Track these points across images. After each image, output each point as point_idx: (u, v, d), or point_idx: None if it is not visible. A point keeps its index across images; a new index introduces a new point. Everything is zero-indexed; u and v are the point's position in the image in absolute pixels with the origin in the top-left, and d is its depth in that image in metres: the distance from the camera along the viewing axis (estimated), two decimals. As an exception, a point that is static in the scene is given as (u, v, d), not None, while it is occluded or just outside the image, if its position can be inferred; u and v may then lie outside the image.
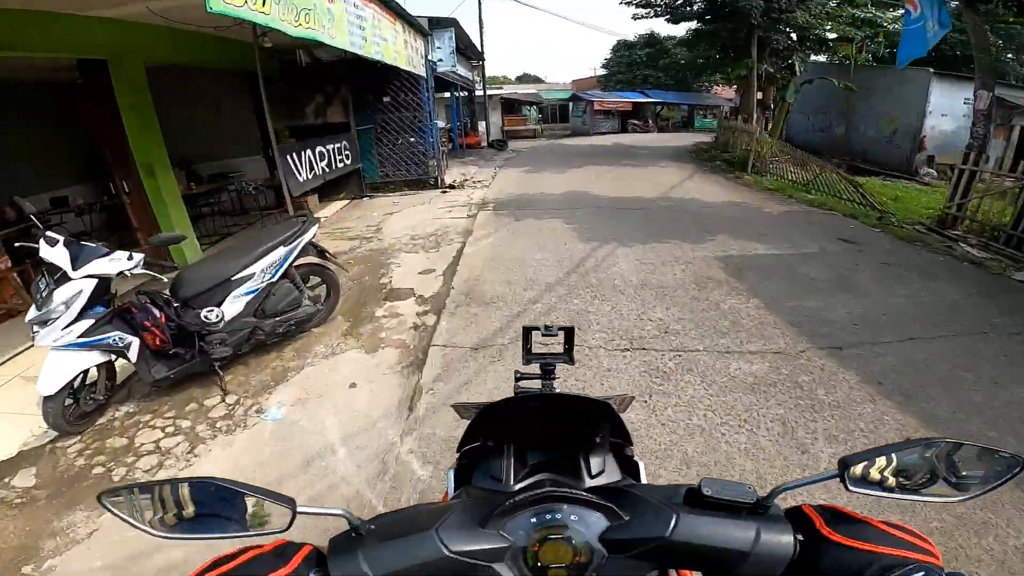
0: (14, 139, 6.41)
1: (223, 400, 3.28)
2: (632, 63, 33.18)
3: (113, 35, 5.16)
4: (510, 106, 29.50)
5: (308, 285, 4.07)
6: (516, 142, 23.84)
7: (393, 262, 6.04)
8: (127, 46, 5.36)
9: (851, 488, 0.62)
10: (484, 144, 19.55)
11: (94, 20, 4.95)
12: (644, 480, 0.94)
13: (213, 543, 0.63)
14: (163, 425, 3.05)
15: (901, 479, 0.65)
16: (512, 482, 0.79)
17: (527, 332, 1.21)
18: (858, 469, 0.63)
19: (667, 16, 18.16)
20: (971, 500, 0.65)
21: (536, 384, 1.22)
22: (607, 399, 0.99)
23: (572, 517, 0.64)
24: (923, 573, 0.53)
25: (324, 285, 4.29)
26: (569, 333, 1.21)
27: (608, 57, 35.57)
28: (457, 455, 0.96)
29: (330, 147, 8.53)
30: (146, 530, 0.62)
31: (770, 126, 16.45)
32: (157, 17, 5.10)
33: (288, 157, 6.93)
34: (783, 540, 0.59)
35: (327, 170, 8.28)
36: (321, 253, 4.00)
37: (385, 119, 10.19)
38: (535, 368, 1.23)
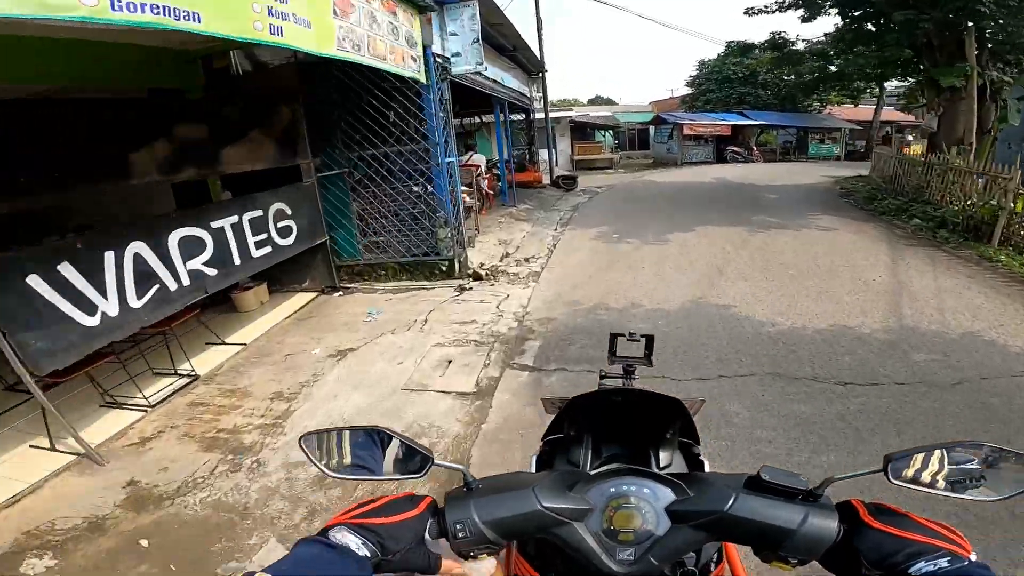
0: None
1: None
2: (725, 79, 27.87)
3: None
4: (581, 131, 25.20)
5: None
6: (588, 176, 19.35)
7: None
8: None
9: (893, 481, 0.69)
10: (547, 181, 15.16)
11: None
12: None
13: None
14: None
15: (944, 477, 0.69)
16: (589, 468, 0.91)
17: (613, 337, 1.34)
18: (901, 464, 0.70)
19: (801, 6, 13.15)
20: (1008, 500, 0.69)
21: (618, 383, 1.28)
22: (681, 399, 1.03)
23: (644, 490, 0.74)
24: (948, 559, 0.59)
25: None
26: (650, 340, 1.31)
27: (694, 74, 30.43)
28: (541, 443, 1.08)
29: (237, 220, 4.50)
30: (323, 470, 0.78)
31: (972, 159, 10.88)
32: None
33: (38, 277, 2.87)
34: (828, 524, 0.66)
35: (229, 268, 4.26)
36: None
37: (368, 157, 6.09)
38: (618, 369, 1.30)
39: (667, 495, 0.74)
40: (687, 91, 31.12)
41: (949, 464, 0.70)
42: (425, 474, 0.76)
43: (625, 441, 0.96)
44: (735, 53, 28.08)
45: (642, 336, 1.31)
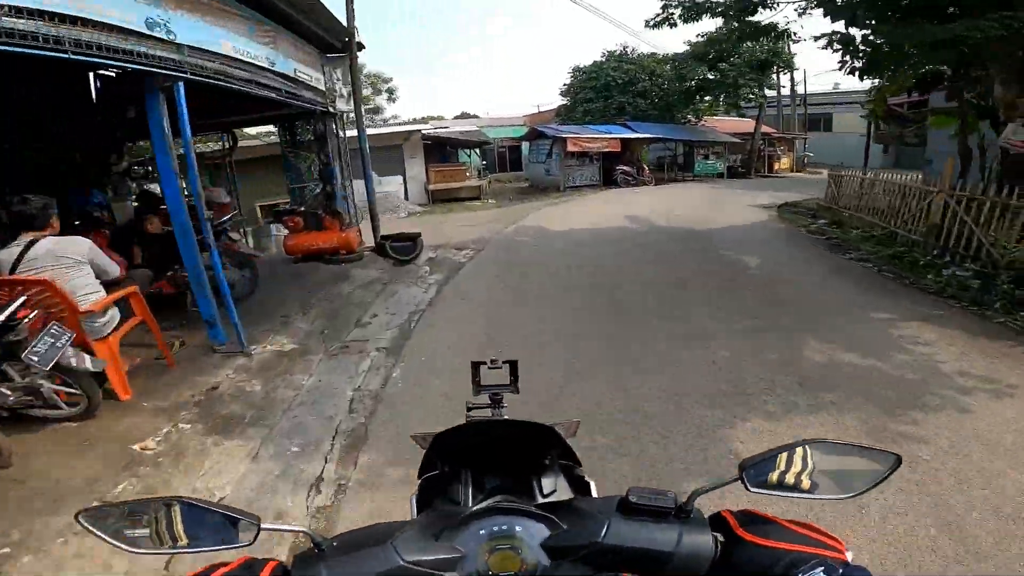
0: None
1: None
2: (604, 87, 24.13)
3: None
4: (438, 151, 19.39)
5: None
6: (446, 219, 13.53)
7: None
8: None
9: (751, 490, 0.71)
10: (364, 247, 8.41)
11: None
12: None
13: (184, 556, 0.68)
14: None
15: (797, 480, 0.71)
16: (470, 504, 0.83)
17: (476, 366, 1.31)
18: (756, 471, 0.71)
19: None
20: (859, 497, 0.72)
21: (486, 413, 1.26)
22: (553, 424, 1.00)
23: (517, 528, 0.70)
24: (822, 568, 0.57)
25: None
26: (513, 365, 1.30)
27: (568, 82, 26.45)
28: (418, 481, 1.02)
29: None
30: (118, 546, 0.67)
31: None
32: None
33: None
34: (703, 541, 0.66)
35: None
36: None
37: None
38: (485, 399, 1.28)
39: (542, 530, 0.71)
40: (562, 102, 27.01)
41: (801, 466, 0.72)
42: (254, 542, 0.69)
43: (506, 471, 0.91)
44: (590, 70, 24.81)
45: (505, 362, 1.30)
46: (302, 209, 7.81)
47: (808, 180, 22.03)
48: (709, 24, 15.22)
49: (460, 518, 0.72)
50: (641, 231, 9.84)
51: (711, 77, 21.99)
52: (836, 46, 7.70)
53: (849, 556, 0.62)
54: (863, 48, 7.33)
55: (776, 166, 25.67)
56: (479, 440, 0.94)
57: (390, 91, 30.54)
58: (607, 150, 19.22)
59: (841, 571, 0.57)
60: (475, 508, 0.74)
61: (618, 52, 25.22)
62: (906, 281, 6.40)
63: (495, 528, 0.70)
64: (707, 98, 23.39)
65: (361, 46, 8.67)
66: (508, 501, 0.77)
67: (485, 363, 1.32)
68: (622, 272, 6.80)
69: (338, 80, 7.99)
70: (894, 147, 37.57)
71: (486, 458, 0.91)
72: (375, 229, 8.55)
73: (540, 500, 0.82)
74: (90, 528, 0.68)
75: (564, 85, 26.69)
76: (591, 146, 18.83)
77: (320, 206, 7.85)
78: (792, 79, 26.14)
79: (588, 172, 19.69)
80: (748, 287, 6.01)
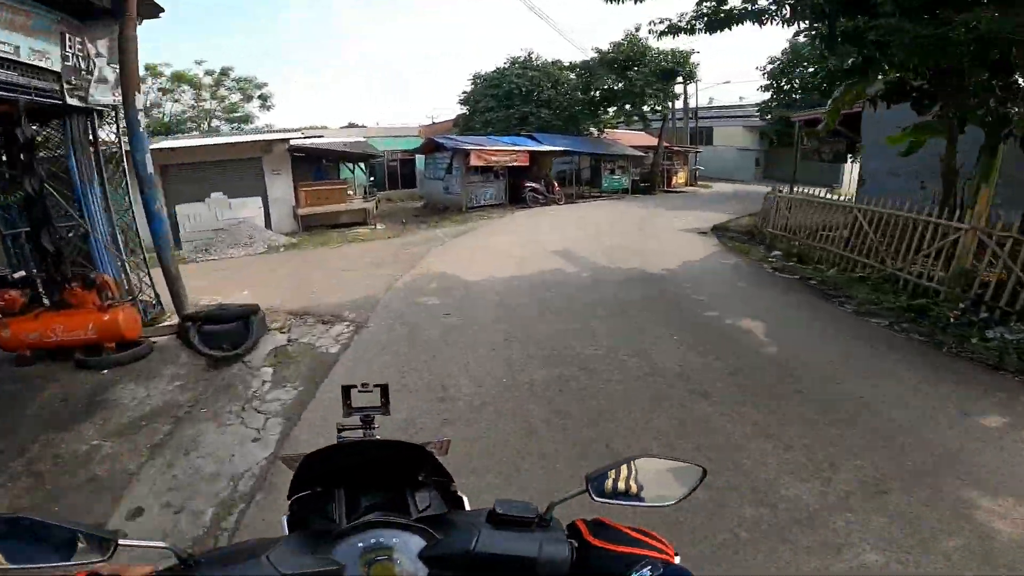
0: None
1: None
2: (507, 95, 22.13)
3: None
4: (310, 165, 15.86)
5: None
6: (320, 258, 10.46)
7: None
8: None
9: (595, 499, 0.83)
10: (163, 326, 5.16)
11: None
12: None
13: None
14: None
15: (630, 490, 0.83)
16: (345, 522, 0.84)
17: (346, 390, 1.30)
18: (598, 482, 0.83)
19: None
20: (678, 504, 0.85)
21: (358, 435, 1.25)
22: (423, 444, 1.04)
23: (394, 540, 0.74)
24: (649, 567, 0.68)
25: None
26: (384, 389, 1.32)
27: (469, 89, 24.11)
28: (288, 502, 1.01)
29: None
30: None
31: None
32: None
33: None
34: (560, 548, 0.73)
35: None
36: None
37: None
38: (356, 420, 1.27)
39: (418, 542, 0.74)
40: (461, 111, 24.56)
41: (633, 477, 0.84)
42: (110, 557, 0.67)
43: (380, 489, 0.95)
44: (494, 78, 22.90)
45: (376, 386, 1.32)
46: (21, 275, 4.43)
47: (706, 195, 21.90)
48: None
49: (337, 532, 0.75)
50: (584, 277, 7.55)
51: (616, 88, 20.94)
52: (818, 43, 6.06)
53: (677, 559, 0.74)
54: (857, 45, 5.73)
55: (674, 180, 25.43)
56: (351, 460, 0.98)
57: (264, 97, 25.71)
58: (515, 164, 17.03)
59: (662, 570, 0.68)
60: (353, 523, 0.77)
61: (522, 58, 23.41)
62: (949, 348, 4.76)
63: (373, 541, 0.73)
64: (611, 109, 22.35)
65: (155, 7, 5.50)
66: (384, 516, 0.79)
67: (355, 387, 1.32)
68: (596, 372, 4.29)
69: (97, 57, 4.73)
70: (763, 160, 40.39)
71: (359, 478, 0.95)
72: (174, 295, 5.23)
73: (416, 515, 0.85)
74: None
75: (463, 93, 24.31)
76: (498, 159, 16.51)
77: (60, 265, 4.48)
78: (685, 92, 26.12)
79: (493, 189, 17.37)
80: (790, 392, 3.87)
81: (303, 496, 0.99)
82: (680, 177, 26.80)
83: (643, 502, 0.84)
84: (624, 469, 0.84)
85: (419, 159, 20.70)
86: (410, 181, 22.54)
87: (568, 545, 0.74)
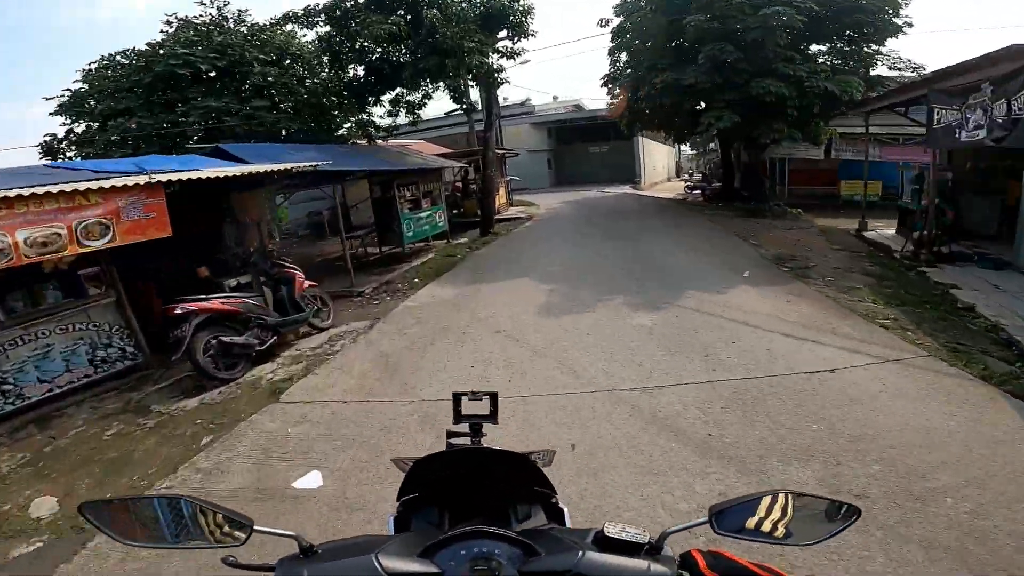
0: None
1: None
2: (169, 80, 10.73)
3: None
4: None
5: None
6: None
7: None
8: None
9: (718, 532, 0.79)
10: None
11: None
12: (568, 525, 1.05)
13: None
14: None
15: (761, 526, 0.78)
16: (447, 527, 0.93)
17: (457, 397, 1.35)
18: (724, 516, 0.79)
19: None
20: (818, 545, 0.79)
21: (466, 442, 1.28)
22: (529, 453, 1.10)
23: (496, 551, 0.74)
24: None
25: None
26: (494, 397, 1.33)
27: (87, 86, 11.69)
28: (397, 503, 1.07)
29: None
30: (117, 538, 0.75)
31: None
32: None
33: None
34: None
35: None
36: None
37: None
38: (465, 427, 1.31)
39: (519, 555, 0.74)
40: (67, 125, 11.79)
41: (767, 512, 0.78)
42: (244, 542, 0.75)
43: (483, 497, 0.97)
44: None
45: (485, 394, 1.32)
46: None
47: (568, 225, 14.47)
48: None
49: (442, 538, 0.75)
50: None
51: (402, 52, 11.48)
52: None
53: None
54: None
55: (497, 203, 17.48)
56: (458, 468, 1.02)
57: None
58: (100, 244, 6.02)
59: None
60: (458, 530, 0.77)
61: (207, 18, 12.20)
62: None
63: (475, 550, 0.74)
64: (400, 90, 12.72)
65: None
66: (487, 526, 0.78)
67: (467, 395, 1.34)
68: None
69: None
70: (554, 162, 35.77)
71: (464, 484, 0.99)
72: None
73: (516, 526, 0.90)
74: (90, 520, 0.75)
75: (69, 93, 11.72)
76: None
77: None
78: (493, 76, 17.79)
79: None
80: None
81: (409, 499, 1.04)
82: (500, 196, 19.08)
83: (778, 540, 0.78)
84: (760, 503, 0.80)
85: None
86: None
87: (675, 574, 0.72)
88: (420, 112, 13.78)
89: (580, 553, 0.71)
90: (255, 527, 0.75)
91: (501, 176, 18.37)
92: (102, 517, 0.75)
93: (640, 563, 0.71)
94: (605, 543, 0.74)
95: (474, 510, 0.93)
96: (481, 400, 1.32)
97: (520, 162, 27.99)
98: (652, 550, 0.74)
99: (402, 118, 13.57)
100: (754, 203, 14.83)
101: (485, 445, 1.20)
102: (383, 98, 12.79)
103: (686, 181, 27.10)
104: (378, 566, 0.68)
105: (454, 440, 1.30)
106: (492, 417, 1.31)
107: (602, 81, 17.37)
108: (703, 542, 1.29)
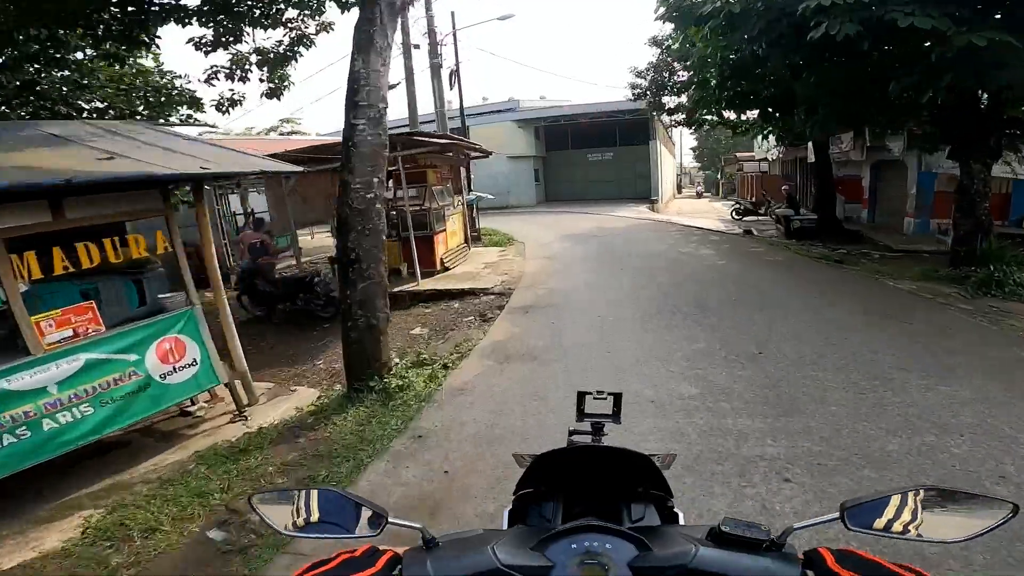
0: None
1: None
2: None
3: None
4: None
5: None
6: None
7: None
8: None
9: (850, 527, 0.75)
10: None
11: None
12: None
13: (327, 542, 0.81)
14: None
15: (900, 521, 0.73)
16: (560, 523, 0.92)
17: (581, 395, 1.35)
18: (857, 511, 0.75)
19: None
20: (967, 541, 0.71)
21: (587, 440, 1.28)
22: (650, 454, 1.05)
23: (607, 546, 0.73)
24: None
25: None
26: (617, 397, 1.33)
27: None
28: (513, 497, 1.09)
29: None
30: (277, 529, 0.82)
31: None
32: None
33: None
34: (791, 574, 0.67)
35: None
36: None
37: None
38: (587, 426, 1.31)
39: (630, 550, 0.73)
40: None
41: (905, 508, 0.74)
42: (380, 532, 0.80)
43: (597, 496, 0.98)
44: None
45: (610, 394, 1.33)
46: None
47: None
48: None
49: (554, 531, 0.76)
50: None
51: None
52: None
53: None
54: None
55: (439, 247, 10.10)
56: (577, 464, 1.03)
57: None
58: None
59: None
60: (569, 524, 0.78)
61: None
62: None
63: (586, 544, 0.74)
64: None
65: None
66: (599, 521, 0.78)
67: (591, 393, 1.34)
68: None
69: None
70: (543, 173, 28.64)
71: (581, 482, 1.01)
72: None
73: (628, 525, 0.89)
74: (259, 511, 0.83)
75: None
76: None
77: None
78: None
79: None
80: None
81: (524, 494, 1.06)
82: (453, 231, 11.20)
83: (914, 536, 0.73)
84: (896, 499, 0.75)
85: None
86: None
87: (800, 572, 0.68)
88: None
89: (694, 549, 0.70)
90: (390, 519, 0.79)
91: (443, 198, 10.84)
92: (269, 508, 0.83)
93: (760, 560, 0.69)
94: (721, 539, 0.72)
95: (588, 507, 0.94)
96: (605, 399, 1.33)
97: (496, 172, 20.82)
98: (773, 546, 0.70)
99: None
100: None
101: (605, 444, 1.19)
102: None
103: (736, 203, 19.70)
104: (494, 558, 0.70)
105: (575, 438, 1.29)
106: (615, 416, 1.32)
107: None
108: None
